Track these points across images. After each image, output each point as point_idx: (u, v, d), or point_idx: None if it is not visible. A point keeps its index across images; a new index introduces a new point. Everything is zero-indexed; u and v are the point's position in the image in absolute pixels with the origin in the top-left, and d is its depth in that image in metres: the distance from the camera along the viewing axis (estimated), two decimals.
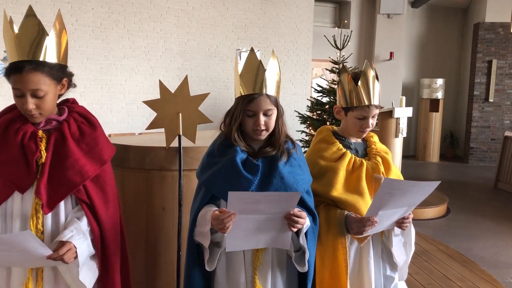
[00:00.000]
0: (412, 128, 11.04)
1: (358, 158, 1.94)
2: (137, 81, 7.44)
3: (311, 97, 7.63)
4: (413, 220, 1.91)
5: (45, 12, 6.50)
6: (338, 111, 2.01)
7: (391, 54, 9.92)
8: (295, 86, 9.02)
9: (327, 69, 7.46)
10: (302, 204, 1.69)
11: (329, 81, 7.48)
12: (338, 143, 1.95)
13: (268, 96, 1.66)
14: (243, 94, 1.66)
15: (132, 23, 7.35)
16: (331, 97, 7.28)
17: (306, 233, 1.65)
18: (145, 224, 2.48)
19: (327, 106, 7.17)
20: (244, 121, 1.67)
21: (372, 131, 2.07)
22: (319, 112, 7.29)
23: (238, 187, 1.59)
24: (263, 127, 1.65)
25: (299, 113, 7.44)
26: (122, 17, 7.25)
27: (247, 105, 1.64)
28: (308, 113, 7.54)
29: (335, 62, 7.38)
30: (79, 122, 1.68)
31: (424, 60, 10.93)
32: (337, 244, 1.83)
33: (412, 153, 10.98)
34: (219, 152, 1.68)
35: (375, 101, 1.91)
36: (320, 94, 7.42)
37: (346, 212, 1.84)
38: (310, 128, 7.38)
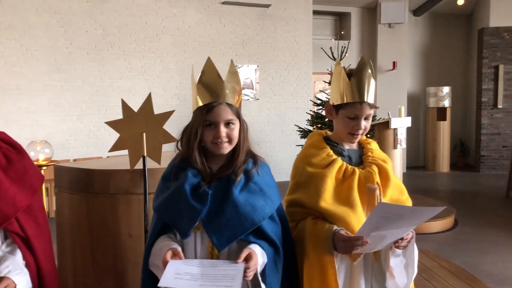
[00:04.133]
0: (420, 138, 10.80)
1: (350, 166, 1.73)
2: (134, 102, 7.28)
3: (311, 110, 7.49)
4: (417, 234, 1.67)
5: (39, 36, 6.51)
6: (329, 110, 1.81)
7: (394, 63, 9.75)
8: (296, 100, 8.90)
9: (325, 81, 7.32)
10: (261, 234, 1.52)
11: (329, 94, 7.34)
12: (329, 149, 1.75)
13: (229, 105, 1.52)
14: (200, 105, 1.52)
15: (128, 43, 7.34)
16: None
17: (264, 269, 1.50)
18: (113, 252, 2.34)
19: (327, 119, 7.01)
20: (203, 135, 1.52)
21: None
22: (319, 125, 7.14)
23: (186, 217, 1.45)
24: (224, 139, 1.51)
25: (300, 127, 7.30)
26: (117, 38, 7.24)
27: (206, 115, 1.50)
28: (309, 127, 7.40)
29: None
30: (4, 149, 1.55)
31: (429, 68, 10.72)
32: (326, 263, 1.61)
33: (422, 164, 10.71)
34: (175, 176, 1.54)
35: (369, 99, 1.70)
36: (320, 107, 7.28)
37: (335, 228, 1.62)
38: None
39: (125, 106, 2.30)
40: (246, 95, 8.48)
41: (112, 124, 2.30)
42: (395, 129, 4.76)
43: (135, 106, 7.65)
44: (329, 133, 1.85)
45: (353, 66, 1.87)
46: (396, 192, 1.76)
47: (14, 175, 1.51)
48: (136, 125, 2.29)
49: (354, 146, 1.82)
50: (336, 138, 1.79)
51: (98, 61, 7.09)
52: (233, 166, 1.53)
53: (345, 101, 1.70)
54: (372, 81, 1.72)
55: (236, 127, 1.54)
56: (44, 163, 2.27)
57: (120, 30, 7.26)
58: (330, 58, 7.24)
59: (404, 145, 4.92)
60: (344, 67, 1.76)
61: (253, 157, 1.60)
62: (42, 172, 2.31)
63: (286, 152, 8.66)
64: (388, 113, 4.93)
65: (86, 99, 7.01)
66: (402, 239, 1.59)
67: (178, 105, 7.66)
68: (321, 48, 7.71)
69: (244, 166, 1.56)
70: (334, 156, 1.72)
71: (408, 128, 10.08)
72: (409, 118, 5.03)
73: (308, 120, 7.41)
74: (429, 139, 10.25)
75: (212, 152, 1.55)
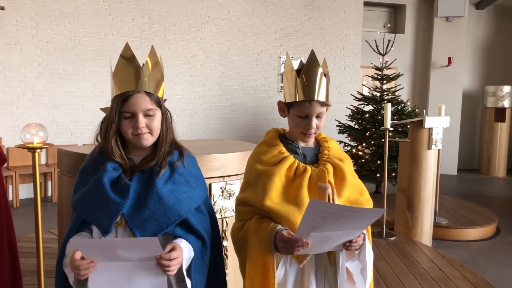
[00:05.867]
0: (476, 140, 10.19)
1: (302, 164, 1.64)
2: (177, 90, 7.51)
3: (351, 105, 7.26)
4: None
5: (87, 23, 6.76)
6: (282, 107, 1.71)
7: (450, 59, 9.22)
8: (342, 94, 8.64)
9: (367, 75, 7.08)
10: (187, 227, 1.46)
11: (372, 88, 7.10)
12: (282, 146, 1.66)
13: (148, 94, 1.45)
14: (117, 93, 1.46)
15: (172, 32, 7.45)
16: (373, 105, 6.89)
17: (191, 264, 1.44)
18: None
19: (367, 115, 6.77)
20: (122, 126, 1.46)
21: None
22: (359, 121, 6.91)
23: (106, 212, 1.39)
24: (145, 130, 1.44)
25: (340, 122, 7.11)
26: (162, 27, 7.37)
27: (123, 105, 1.43)
28: (350, 122, 7.18)
29: (377, 68, 6.97)
30: None
31: (489, 65, 10.04)
32: (268, 265, 1.53)
33: (476, 167, 10.10)
34: (93, 170, 1.47)
35: (320, 97, 1.59)
36: (361, 102, 7.06)
37: (278, 227, 1.53)
38: (349, 138, 7.02)
39: None
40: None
41: (106, 110, 2.31)
42: (430, 129, 4.48)
43: (178, 94, 7.85)
44: (286, 130, 1.76)
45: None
46: (355, 192, 1.64)
47: None
48: None
49: (311, 144, 1.71)
50: (292, 135, 1.70)
51: (143, 49, 7.21)
52: (156, 157, 1.47)
53: (294, 99, 1.60)
54: (324, 79, 1.60)
55: (156, 117, 1.46)
56: (38, 145, 2.34)
57: (165, 19, 7.38)
58: (375, 51, 6.97)
59: (440, 145, 4.61)
60: (301, 61, 1.66)
61: (179, 149, 1.54)
62: (36, 155, 2.38)
63: None
64: (424, 112, 4.65)
65: None
66: (351, 241, 1.49)
67: (220, 95, 7.70)
68: (366, 41, 7.43)
69: (168, 158, 1.49)
70: (286, 154, 1.62)
71: (462, 129, 9.61)
72: (447, 118, 4.71)
73: (349, 115, 7.19)
74: (484, 141, 9.64)
75: (134, 144, 1.48)
